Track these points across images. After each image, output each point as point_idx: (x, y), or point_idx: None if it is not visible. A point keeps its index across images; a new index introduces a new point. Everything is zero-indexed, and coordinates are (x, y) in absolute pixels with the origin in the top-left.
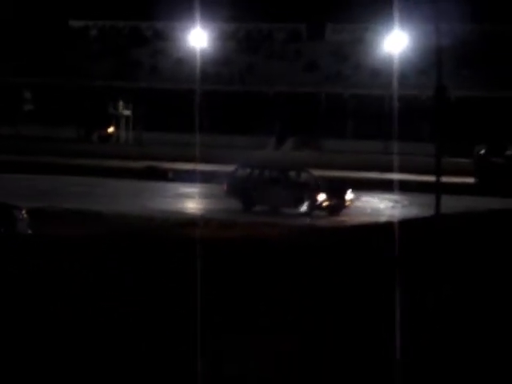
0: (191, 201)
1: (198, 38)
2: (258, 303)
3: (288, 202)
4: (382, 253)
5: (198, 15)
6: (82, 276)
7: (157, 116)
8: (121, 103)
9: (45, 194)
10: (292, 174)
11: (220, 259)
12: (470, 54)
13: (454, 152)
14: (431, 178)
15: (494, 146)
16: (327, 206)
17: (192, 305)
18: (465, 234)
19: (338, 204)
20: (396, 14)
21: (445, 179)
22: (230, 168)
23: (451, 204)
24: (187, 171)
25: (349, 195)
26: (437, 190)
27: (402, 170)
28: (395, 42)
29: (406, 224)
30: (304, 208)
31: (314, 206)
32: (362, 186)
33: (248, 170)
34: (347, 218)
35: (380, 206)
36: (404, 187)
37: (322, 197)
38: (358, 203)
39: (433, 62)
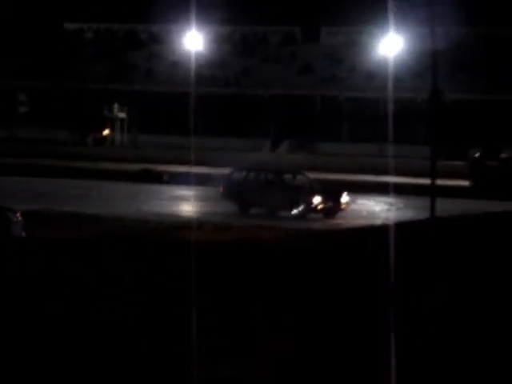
0: (186, 203)
1: (193, 40)
2: (251, 306)
3: (283, 205)
4: (378, 256)
5: (193, 18)
6: (76, 278)
7: (152, 119)
8: (116, 106)
9: (41, 196)
10: (288, 176)
11: (214, 262)
12: (464, 57)
13: (449, 155)
14: (426, 181)
15: (488, 149)
16: (322, 209)
17: (184, 309)
18: (460, 237)
19: (333, 207)
20: (391, 17)
21: (440, 182)
22: (225, 171)
23: (446, 207)
24: (182, 174)
25: (344, 198)
26: (432, 192)
27: (397, 173)
28: (390, 45)
29: (401, 227)
30: (297, 211)
31: (310, 208)
32: (358, 189)
33: (244, 173)
34: (343, 221)
35: (375, 208)
36: (399, 190)
37: (317, 199)
38: (353, 206)
39: (428, 65)
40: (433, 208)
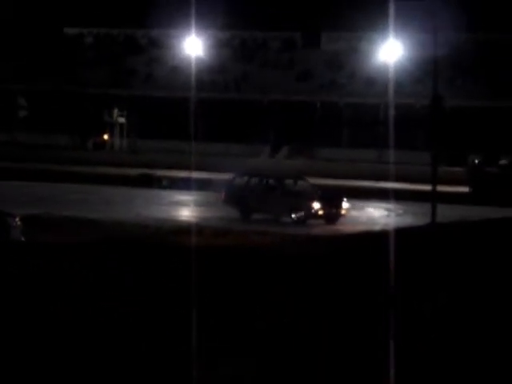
0: (186, 208)
1: (193, 46)
2: (244, 308)
3: (284, 211)
4: (377, 261)
5: (193, 23)
6: (74, 281)
7: (152, 124)
8: (116, 111)
9: (40, 200)
10: (289, 182)
11: (211, 267)
12: (464, 63)
13: (449, 161)
14: (426, 187)
15: (488, 155)
16: (323, 215)
17: (179, 313)
18: (460, 243)
19: (334, 213)
20: (391, 23)
21: (440, 188)
22: (224, 176)
23: (446, 213)
24: (182, 179)
25: (344, 204)
26: (432, 198)
27: (396, 179)
28: (390, 51)
29: (401, 233)
30: (296, 216)
31: (310, 214)
32: (357, 195)
33: (246, 179)
34: (342, 227)
35: (375, 214)
36: (399, 196)
37: (317, 205)
38: (353, 212)
39: (427, 71)
40: (433, 214)
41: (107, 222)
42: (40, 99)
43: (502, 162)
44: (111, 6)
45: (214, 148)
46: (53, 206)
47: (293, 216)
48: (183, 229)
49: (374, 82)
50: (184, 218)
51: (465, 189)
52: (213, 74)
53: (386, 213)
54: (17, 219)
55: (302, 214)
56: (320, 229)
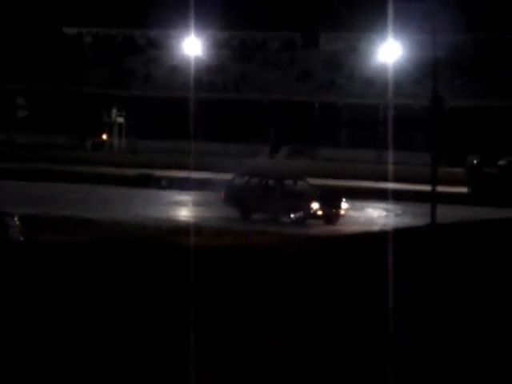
0: (184, 208)
1: (191, 46)
2: (239, 308)
3: (284, 211)
4: (377, 262)
5: (191, 23)
6: (73, 280)
7: (150, 124)
8: (114, 111)
9: (39, 200)
10: (288, 182)
11: (210, 267)
12: (463, 64)
13: (448, 161)
14: (425, 188)
15: (487, 156)
16: (322, 215)
17: (179, 313)
18: (460, 243)
19: (333, 213)
20: (390, 24)
21: (439, 189)
22: (223, 176)
23: (446, 213)
24: (181, 179)
25: (343, 204)
26: (432, 199)
27: (396, 180)
28: (389, 52)
29: (400, 233)
30: (294, 216)
31: (309, 214)
32: (356, 195)
33: (245, 179)
34: (341, 227)
35: (374, 215)
36: (398, 196)
37: (316, 205)
38: (352, 212)
39: (427, 72)
40: (433, 214)
41: (106, 221)
42: (39, 99)
43: (501, 162)
44: (110, 6)
45: (213, 148)
46: (51, 205)
47: (292, 216)
48: (182, 229)
49: (373, 83)
50: (183, 218)
51: (464, 189)
52: (212, 74)
53: (385, 213)
54: (15, 219)
55: (301, 214)
56: (319, 229)
